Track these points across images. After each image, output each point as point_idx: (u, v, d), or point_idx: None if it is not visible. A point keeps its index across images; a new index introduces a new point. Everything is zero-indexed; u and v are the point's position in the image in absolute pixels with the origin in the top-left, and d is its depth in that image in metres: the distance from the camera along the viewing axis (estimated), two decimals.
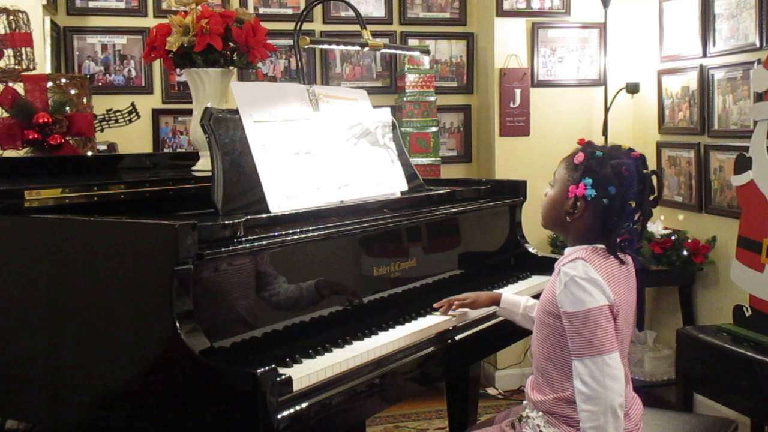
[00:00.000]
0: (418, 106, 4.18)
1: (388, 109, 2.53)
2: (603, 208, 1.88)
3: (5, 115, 2.89)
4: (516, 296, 2.28)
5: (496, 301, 2.28)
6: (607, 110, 4.25)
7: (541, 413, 1.93)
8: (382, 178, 2.39)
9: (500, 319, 2.31)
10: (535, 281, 2.70)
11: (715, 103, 3.77)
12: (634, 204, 1.88)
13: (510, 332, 2.35)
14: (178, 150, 4.19)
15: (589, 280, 1.82)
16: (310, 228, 1.99)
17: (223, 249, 1.74)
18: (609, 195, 1.87)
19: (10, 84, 2.96)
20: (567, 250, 1.94)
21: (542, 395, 1.94)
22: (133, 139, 3.92)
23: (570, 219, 1.92)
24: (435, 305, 2.25)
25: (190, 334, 1.62)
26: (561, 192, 1.95)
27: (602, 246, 1.90)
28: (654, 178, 1.94)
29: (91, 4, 4.15)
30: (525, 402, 2.02)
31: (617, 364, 1.81)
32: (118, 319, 1.73)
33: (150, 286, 1.68)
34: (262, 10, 4.29)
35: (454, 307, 2.25)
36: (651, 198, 1.93)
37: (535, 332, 1.99)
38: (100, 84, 4.14)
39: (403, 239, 2.32)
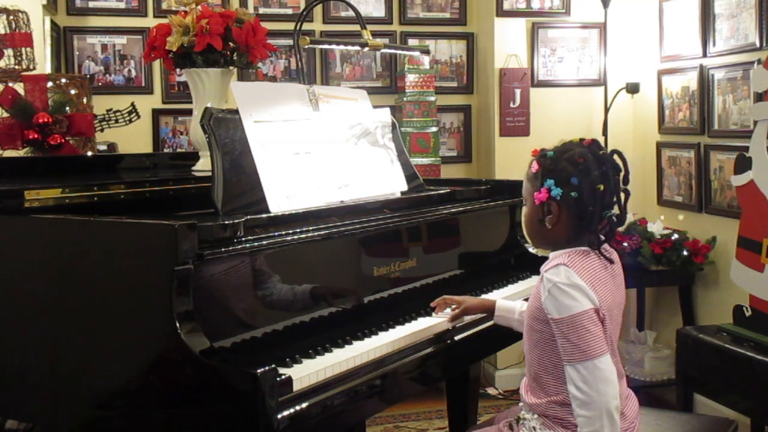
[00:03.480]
0: (418, 106, 4.18)
1: (388, 109, 2.53)
2: (574, 202, 1.86)
3: (5, 115, 2.90)
4: (509, 302, 2.26)
5: (488, 308, 2.25)
6: (607, 110, 4.25)
7: (536, 416, 1.93)
8: (382, 178, 2.39)
9: None
10: (535, 281, 2.68)
11: (715, 103, 3.77)
12: (603, 187, 1.86)
13: (509, 332, 2.35)
14: (178, 150, 4.19)
15: (572, 285, 1.81)
16: (310, 228, 1.98)
17: (223, 249, 1.74)
18: (574, 187, 1.85)
19: (10, 84, 2.96)
20: (551, 255, 1.93)
21: (536, 398, 1.93)
22: (133, 139, 3.92)
23: (550, 225, 1.90)
24: (432, 304, 2.25)
25: (190, 334, 1.62)
26: (531, 206, 1.94)
27: (584, 248, 1.89)
28: (617, 158, 1.92)
29: (91, 4, 4.15)
30: (521, 404, 2.02)
31: (609, 366, 1.80)
32: (118, 319, 1.73)
33: (150, 286, 1.68)
34: (262, 10, 4.29)
35: (451, 308, 2.24)
36: (619, 177, 1.91)
37: (526, 338, 1.98)
38: (100, 84, 4.14)
39: (403, 239, 2.32)
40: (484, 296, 2.48)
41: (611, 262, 1.93)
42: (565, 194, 1.86)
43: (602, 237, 1.90)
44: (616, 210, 1.92)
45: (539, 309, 1.88)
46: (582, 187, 1.86)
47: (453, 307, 2.24)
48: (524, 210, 2.00)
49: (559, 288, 1.81)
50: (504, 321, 2.24)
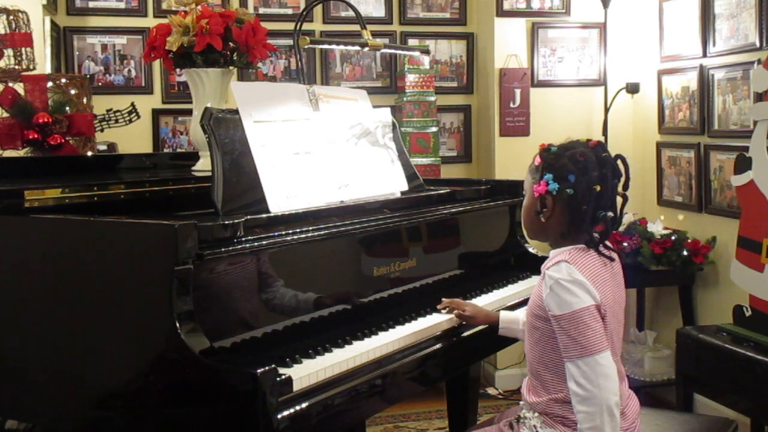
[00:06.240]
0: (418, 106, 4.18)
1: (388, 109, 2.53)
2: (569, 199, 1.88)
3: (5, 115, 2.89)
4: (513, 313, 2.28)
5: (492, 321, 2.26)
6: (607, 110, 4.25)
7: (537, 414, 1.93)
8: (382, 178, 2.39)
9: None
10: (535, 281, 2.67)
11: (715, 103, 3.77)
12: (599, 188, 1.88)
13: None
14: (178, 150, 4.19)
15: (574, 281, 1.82)
16: (310, 228, 1.98)
17: (223, 249, 1.74)
18: (571, 184, 1.87)
19: (10, 84, 2.96)
20: (551, 253, 1.94)
21: (537, 397, 1.94)
22: (133, 139, 3.92)
23: (544, 219, 1.92)
24: (439, 306, 2.25)
25: (190, 334, 1.62)
26: (530, 197, 1.97)
27: (584, 246, 1.90)
28: (620, 163, 1.94)
29: (91, 4, 4.15)
30: (522, 402, 2.02)
31: (609, 362, 1.81)
32: (118, 319, 1.73)
33: (150, 286, 1.68)
34: (262, 10, 4.29)
35: (454, 311, 2.24)
36: (618, 181, 1.93)
37: (527, 337, 1.99)
38: (100, 84, 4.14)
39: (403, 239, 2.32)
40: (484, 296, 2.49)
41: (611, 260, 1.93)
42: (561, 190, 1.88)
43: (597, 237, 1.91)
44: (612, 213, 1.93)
45: (540, 306, 1.89)
46: (578, 185, 1.87)
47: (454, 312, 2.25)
48: (524, 201, 2.01)
49: (561, 284, 1.82)
50: (509, 332, 2.25)
